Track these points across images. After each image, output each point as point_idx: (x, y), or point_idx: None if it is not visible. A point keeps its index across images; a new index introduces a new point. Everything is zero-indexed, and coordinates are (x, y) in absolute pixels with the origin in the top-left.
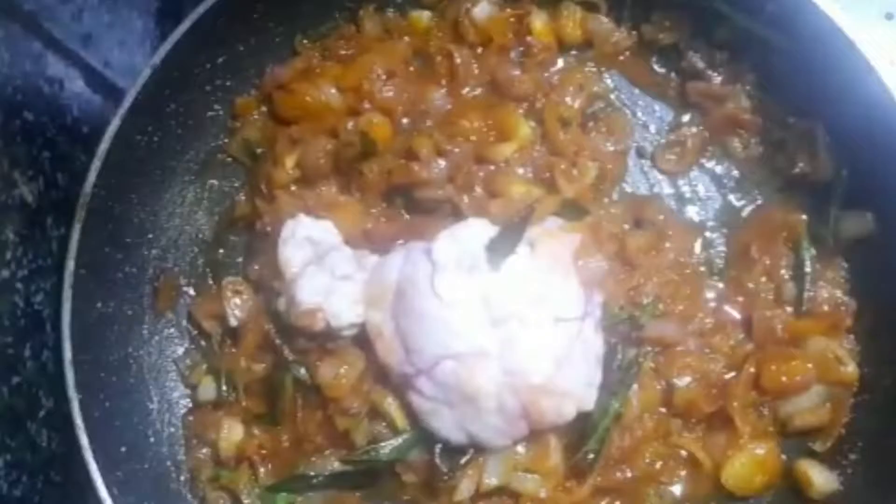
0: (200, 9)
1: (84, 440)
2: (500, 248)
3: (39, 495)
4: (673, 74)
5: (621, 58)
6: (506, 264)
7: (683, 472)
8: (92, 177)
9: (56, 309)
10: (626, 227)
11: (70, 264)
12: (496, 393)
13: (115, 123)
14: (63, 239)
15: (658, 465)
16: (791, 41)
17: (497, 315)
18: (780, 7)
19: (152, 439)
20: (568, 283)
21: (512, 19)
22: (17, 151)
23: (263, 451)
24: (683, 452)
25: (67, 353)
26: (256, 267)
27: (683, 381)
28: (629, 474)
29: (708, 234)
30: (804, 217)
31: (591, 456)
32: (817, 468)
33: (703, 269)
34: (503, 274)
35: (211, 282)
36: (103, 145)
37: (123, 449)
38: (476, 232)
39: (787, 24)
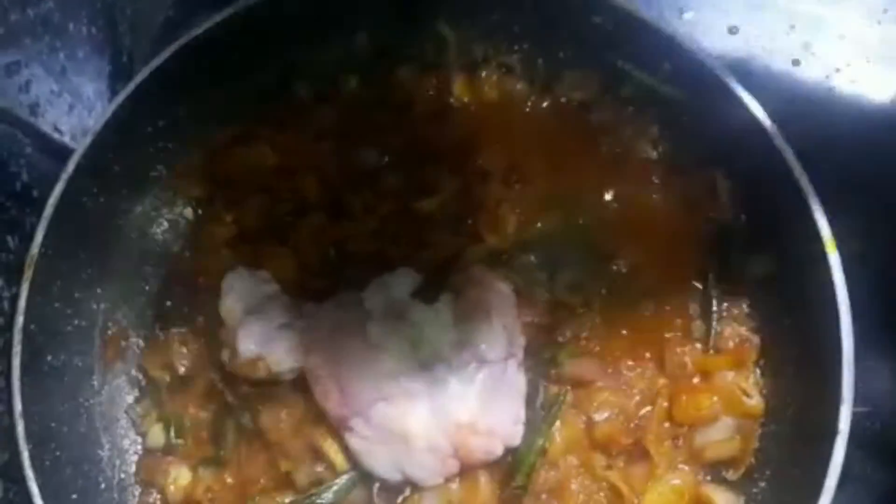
0: (138, 78)
1: (34, 489)
2: (425, 295)
3: None
4: None
5: None
6: (432, 310)
7: None
8: (38, 239)
9: (7, 364)
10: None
11: (19, 320)
12: (426, 433)
13: (58, 188)
14: (14, 298)
15: (584, 497)
16: (687, 95)
17: (424, 359)
18: (675, 65)
19: (103, 485)
20: (491, 327)
21: (434, 80)
22: None
23: (210, 494)
24: (607, 485)
25: (18, 406)
26: (201, 318)
27: (602, 416)
28: None
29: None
30: (710, 259)
31: (519, 491)
32: (721, 493)
33: (618, 308)
34: (429, 320)
35: (159, 332)
36: (48, 210)
37: (74, 496)
38: (403, 280)
39: (682, 80)
